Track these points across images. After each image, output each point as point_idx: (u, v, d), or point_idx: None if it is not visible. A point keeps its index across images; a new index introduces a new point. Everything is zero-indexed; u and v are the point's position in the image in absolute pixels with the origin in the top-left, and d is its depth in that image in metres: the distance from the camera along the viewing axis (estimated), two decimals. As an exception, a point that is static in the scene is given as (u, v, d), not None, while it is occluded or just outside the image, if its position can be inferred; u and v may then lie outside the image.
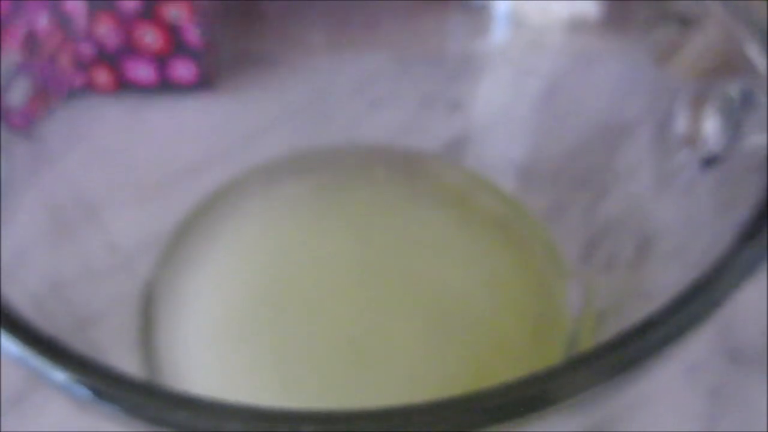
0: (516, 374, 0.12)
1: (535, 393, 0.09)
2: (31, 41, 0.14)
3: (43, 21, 0.15)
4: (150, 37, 0.19)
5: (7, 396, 0.16)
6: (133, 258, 0.16)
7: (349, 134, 0.20)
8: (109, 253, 0.16)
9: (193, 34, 0.20)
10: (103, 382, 0.08)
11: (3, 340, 0.09)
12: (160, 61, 0.20)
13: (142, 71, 0.20)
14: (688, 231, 0.13)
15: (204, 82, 0.20)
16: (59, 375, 0.08)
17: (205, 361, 0.15)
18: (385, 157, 0.20)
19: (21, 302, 0.10)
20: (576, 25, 0.17)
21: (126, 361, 0.15)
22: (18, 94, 0.14)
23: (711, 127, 0.13)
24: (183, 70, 0.20)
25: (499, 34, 0.19)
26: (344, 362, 0.15)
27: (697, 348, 0.17)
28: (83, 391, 0.08)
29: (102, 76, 0.19)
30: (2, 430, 0.16)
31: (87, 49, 0.17)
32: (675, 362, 0.17)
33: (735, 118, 0.12)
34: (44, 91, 0.15)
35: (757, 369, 0.17)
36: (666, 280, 0.13)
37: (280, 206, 0.18)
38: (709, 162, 0.13)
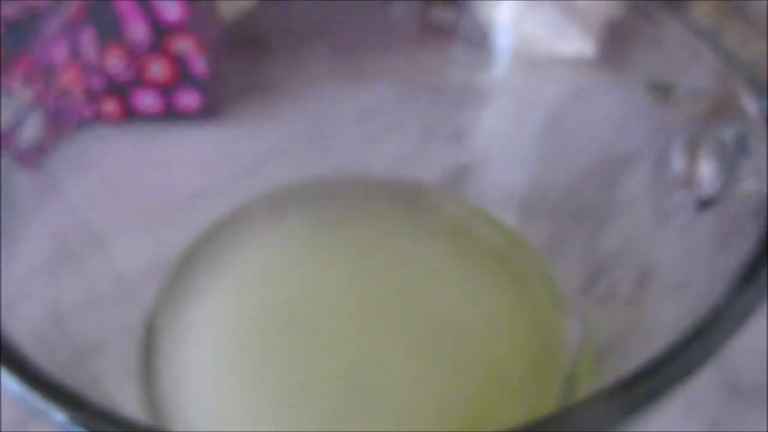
0: (514, 408, 0.12)
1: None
2: (46, 75, 0.14)
3: (58, 55, 0.15)
4: (157, 68, 0.19)
5: (7, 427, 0.16)
6: (135, 287, 0.16)
7: (351, 164, 0.20)
8: (111, 282, 0.16)
9: (198, 65, 0.20)
10: (102, 423, 0.08)
11: (4, 378, 0.09)
12: (166, 91, 0.20)
13: (147, 101, 0.20)
14: (686, 269, 0.13)
15: (208, 112, 0.21)
16: (58, 415, 0.08)
17: (206, 392, 0.15)
18: (387, 188, 0.20)
19: (22, 333, 0.10)
20: (575, 62, 0.18)
21: (127, 392, 0.15)
22: (31, 129, 0.14)
23: (706, 169, 0.13)
24: (188, 99, 0.20)
25: (500, 66, 0.19)
26: (344, 394, 0.15)
27: (696, 383, 0.17)
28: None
29: (109, 106, 0.19)
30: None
31: (96, 81, 0.17)
32: (675, 397, 0.17)
33: (729, 162, 0.12)
34: (56, 123, 0.15)
35: (756, 404, 0.17)
36: (665, 317, 0.13)
37: (281, 237, 0.18)
38: (705, 204, 0.13)
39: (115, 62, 0.18)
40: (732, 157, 0.12)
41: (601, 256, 0.17)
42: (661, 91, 0.13)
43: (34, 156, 0.14)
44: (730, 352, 0.18)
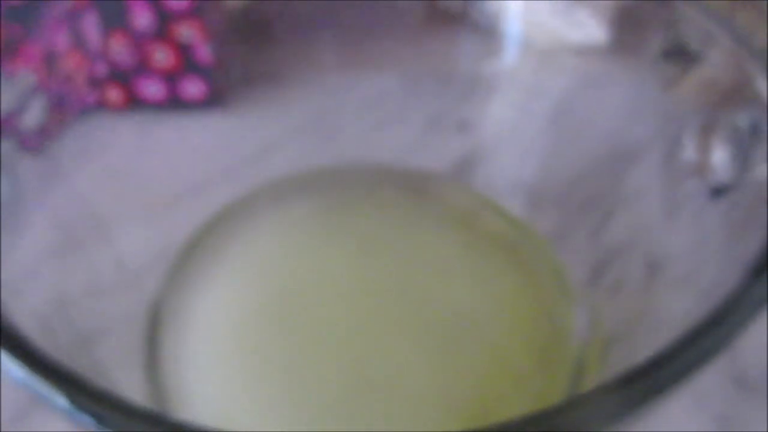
0: (521, 398, 0.12)
1: (546, 428, 0.08)
2: (49, 61, 0.14)
3: (62, 40, 0.15)
4: (161, 56, 0.19)
5: (10, 414, 0.16)
6: (139, 276, 0.16)
7: (357, 153, 0.20)
8: (116, 270, 0.16)
9: (203, 53, 0.20)
10: (106, 409, 0.08)
11: (6, 363, 0.09)
12: (171, 79, 0.20)
13: (152, 89, 0.20)
14: (697, 259, 0.13)
15: (213, 100, 0.20)
16: (61, 401, 0.08)
17: (210, 381, 0.15)
18: (393, 177, 0.20)
19: (26, 319, 0.10)
20: (586, 49, 0.17)
21: (131, 380, 0.14)
22: (34, 114, 0.14)
23: (719, 156, 0.13)
24: (193, 87, 0.20)
25: (508, 55, 0.19)
26: (350, 385, 0.15)
27: (704, 376, 0.17)
28: (85, 418, 0.08)
29: (113, 94, 0.19)
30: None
31: (100, 68, 0.17)
32: (682, 390, 0.17)
33: (743, 148, 0.12)
34: (60, 110, 0.15)
35: (764, 395, 0.17)
36: (674, 308, 0.13)
37: (287, 226, 0.18)
38: (718, 192, 0.13)
39: (119, 49, 0.18)
40: (747, 143, 0.12)
41: (610, 245, 0.16)
42: (679, 61, 0.13)
43: (39, 142, 0.14)
44: (739, 345, 0.18)
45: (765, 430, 0.16)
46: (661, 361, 0.09)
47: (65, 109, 0.15)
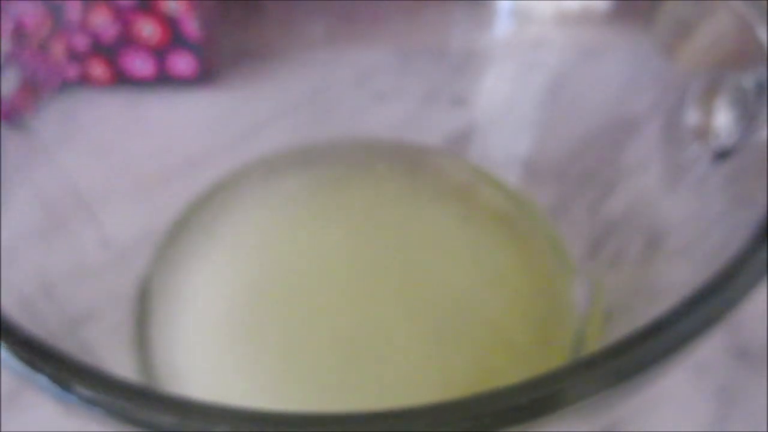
0: (520, 374, 0.12)
1: (543, 395, 0.08)
2: (19, 31, 0.14)
3: (32, 11, 0.14)
4: (148, 30, 0.19)
5: (4, 392, 0.16)
6: (127, 254, 0.16)
7: (351, 128, 0.20)
8: (103, 248, 0.15)
9: (191, 27, 0.19)
10: (87, 385, 0.08)
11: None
12: (159, 54, 0.19)
13: (139, 64, 0.19)
14: (698, 227, 0.13)
15: (203, 76, 0.20)
16: (41, 378, 0.08)
17: (201, 360, 0.15)
18: (388, 151, 0.19)
19: (8, 300, 0.10)
20: (582, 18, 0.17)
21: (120, 360, 0.14)
22: (5, 83, 0.14)
23: (723, 119, 0.13)
24: (182, 63, 0.20)
25: (503, 27, 0.19)
26: (344, 361, 0.15)
27: (704, 347, 0.17)
28: (66, 395, 0.08)
29: (98, 69, 0.18)
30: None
31: (81, 41, 0.17)
32: (683, 361, 0.17)
33: (748, 109, 0.12)
34: (34, 81, 0.14)
35: (764, 368, 0.17)
36: (675, 278, 0.12)
37: (279, 201, 0.18)
38: (722, 156, 0.12)
39: (102, 22, 0.17)
40: (751, 104, 0.12)
41: (609, 217, 0.16)
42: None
43: (13, 112, 0.14)
44: (739, 316, 0.18)
45: (765, 402, 0.16)
46: (658, 329, 0.09)
47: (41, 82, 0.15)
